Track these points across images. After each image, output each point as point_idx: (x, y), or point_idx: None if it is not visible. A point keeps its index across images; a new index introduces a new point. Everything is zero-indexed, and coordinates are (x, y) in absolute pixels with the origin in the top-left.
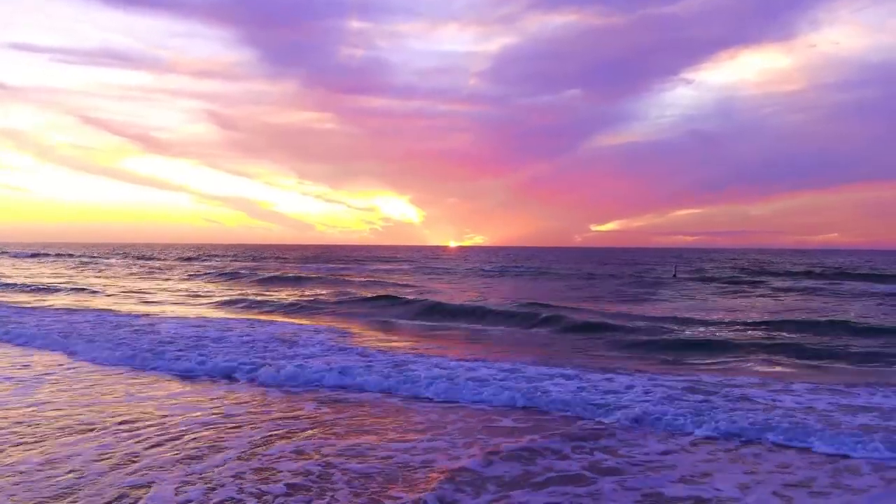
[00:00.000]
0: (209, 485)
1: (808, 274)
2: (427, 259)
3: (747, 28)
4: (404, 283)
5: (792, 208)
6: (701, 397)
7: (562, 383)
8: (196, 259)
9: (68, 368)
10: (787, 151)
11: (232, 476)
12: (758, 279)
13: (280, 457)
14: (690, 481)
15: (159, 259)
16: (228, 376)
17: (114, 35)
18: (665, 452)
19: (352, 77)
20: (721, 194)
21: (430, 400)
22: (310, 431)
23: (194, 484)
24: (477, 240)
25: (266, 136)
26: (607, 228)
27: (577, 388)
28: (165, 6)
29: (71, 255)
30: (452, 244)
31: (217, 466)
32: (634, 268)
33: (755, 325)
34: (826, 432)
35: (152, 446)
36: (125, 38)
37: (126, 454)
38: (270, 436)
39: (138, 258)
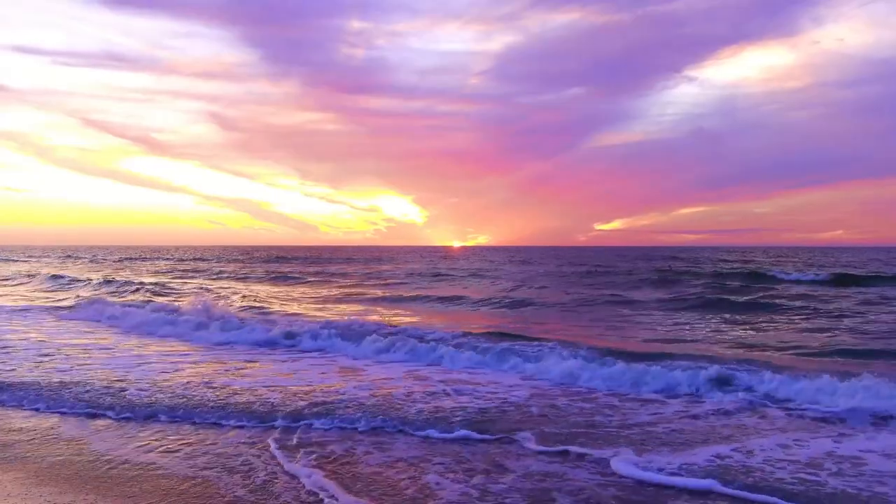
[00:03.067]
0: None
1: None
2: (410, 261)
3: (750, 25)
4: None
5: (797, 206)
6: None
7: None
8: (138, 260)
9: None
10: (791, 149)
11: None
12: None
13: None
14: None
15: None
16: None
17: (115, 36)
18: None
19: (353, 77)
20: (725, 192)
21: None
22: None
23: None
24: (480, 240)
25: (268, 137)
26: (611, 227)
27: None
28: (166, 7)
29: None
30: (456, 244)
31: None
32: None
33: None
34: None
35: None
36: (126, 39)
37: None
38: None
39: (78, 259)
